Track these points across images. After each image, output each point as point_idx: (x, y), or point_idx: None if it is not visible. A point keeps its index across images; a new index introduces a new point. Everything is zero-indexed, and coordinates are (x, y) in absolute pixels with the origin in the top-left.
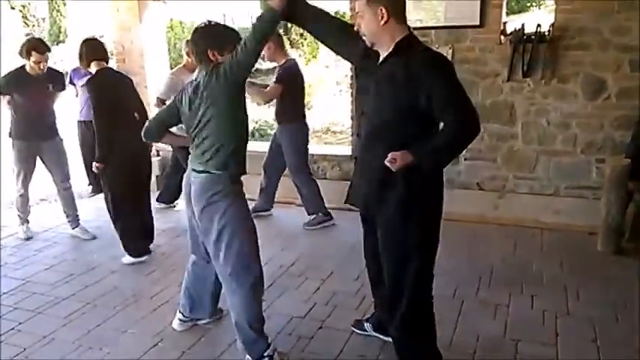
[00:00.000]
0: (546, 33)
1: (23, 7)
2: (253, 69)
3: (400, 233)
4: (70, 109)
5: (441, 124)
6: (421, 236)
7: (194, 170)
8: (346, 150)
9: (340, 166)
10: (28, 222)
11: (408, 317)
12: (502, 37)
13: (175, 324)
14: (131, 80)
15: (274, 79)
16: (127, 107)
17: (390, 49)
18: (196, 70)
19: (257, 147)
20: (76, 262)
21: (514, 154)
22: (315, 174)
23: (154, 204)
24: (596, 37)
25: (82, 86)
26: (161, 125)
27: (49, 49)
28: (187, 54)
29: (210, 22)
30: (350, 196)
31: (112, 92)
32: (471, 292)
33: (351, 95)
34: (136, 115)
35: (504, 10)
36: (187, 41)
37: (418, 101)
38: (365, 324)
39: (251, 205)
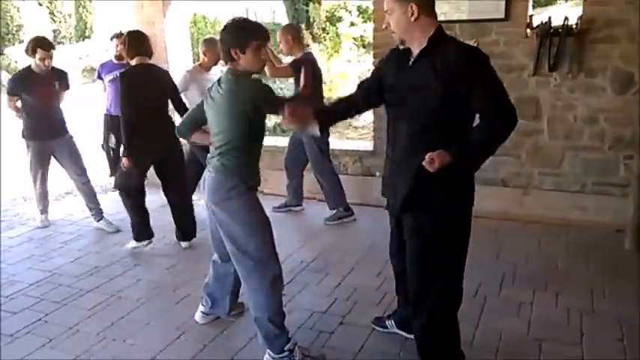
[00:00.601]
0: (574, 26)
1: (50, 3)
2: None
3: (435, 234)
4: (98, 103)
5: (476, 120)
6: (454, 238)
7: (208, 169)
8: (368, 145)
9: (362, 162)
10: (47, 213)
11: (435, 317)
12: (528, 31)
13: (197, 316)
14: (169, 78)
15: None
16: (157, 104)
17: (424, 45)
18: (212, 69)
19: (279, 142)
20: (100, 254)
21: (539, 149)
22: (337, 169)
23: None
24: (623, 29)
25: (109, 81)
26: (193, 122)
27: (53, 47)
28: (204, 53)
29: (234, 19)
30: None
31: (141, 87)
32: (494, 290)
33: None
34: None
35: (530, 2)
36: (205, 40)
37: (459, 95)
38: (387, 321)
39: (280, 200)
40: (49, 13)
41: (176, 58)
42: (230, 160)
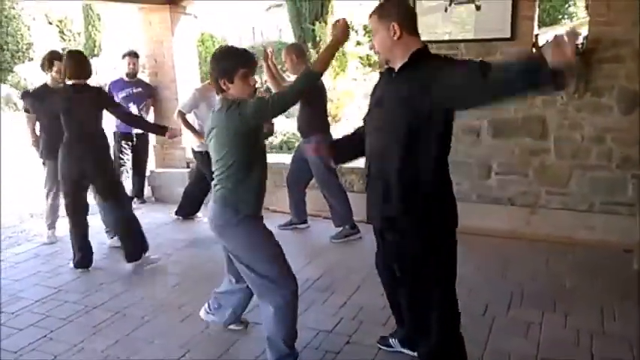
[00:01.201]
0: (580, 46)
1: (60, 22)
2: None
3: (418, 252)
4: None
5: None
6: (439, 256)
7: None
8: None
9: (362, 179)
10: (54, 228)
11: (439, 347)
12: (534, 50)
13: (201, 312)
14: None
15: None
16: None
17: (405, 60)
18: None
19: (285, 159)
20: (104, 271)
21: (546, 168)
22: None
23: (173, 216)
24: (629, 49)
25: (122, 98)
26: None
27: None
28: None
29: (220, 49)
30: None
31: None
32: (502, 310)
33: None
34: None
35: (536, 22)
36: None
37: (433, 104)
38: (390, 339)
39: (287, 218)
40: (59, 31)
41: (184, 77)
42: (227, 189)
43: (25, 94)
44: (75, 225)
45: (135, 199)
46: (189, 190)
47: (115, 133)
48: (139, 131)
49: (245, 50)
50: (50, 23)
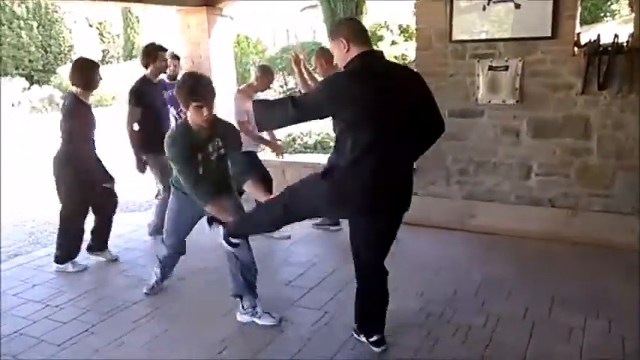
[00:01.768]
0: (624, 44)
1: (100, 24)
2: None
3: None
4: None
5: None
6: None
7: None
8: None
9: None
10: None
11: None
12: (575, 49)
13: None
14: None
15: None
16: None
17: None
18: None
19: (320, 159)
20: (145, 268)
21: (589, 169)
22: None
23: None
24: None
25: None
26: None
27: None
28: (257, 77)
29: (184, 76)
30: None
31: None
32: (543, 314)
33: None
34: None
35: (577, 20)
36: (260, 66)
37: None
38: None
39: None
40: (99, 33)
41: (220, 78)
42: None
43: (135, 88)
44: None
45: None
46: None
47: None
48: None
49: (199, 84)
50: (90, 26)
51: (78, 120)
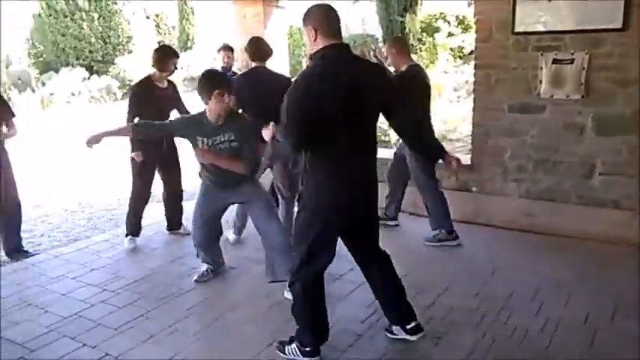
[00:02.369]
0: None
1: (157, 16)
2: None
3: None
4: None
5: None
6: None
7: None
8: (464, 159)
9: (457, 176)
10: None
11: None
12: None
13: (285, 293)
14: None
15: None
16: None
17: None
18: None
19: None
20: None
21: None
22: None
23: None
24: None
25: None
26: None
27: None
28: (308, 66)
29: (204, 72)
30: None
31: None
32: (605, 319)
33: (473, 101)
34: None
35: None
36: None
37: None
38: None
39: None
40: (155, 25)
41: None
42: None
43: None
44: None
45: None
46: None
47: None
48: None
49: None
50: (148, 18)
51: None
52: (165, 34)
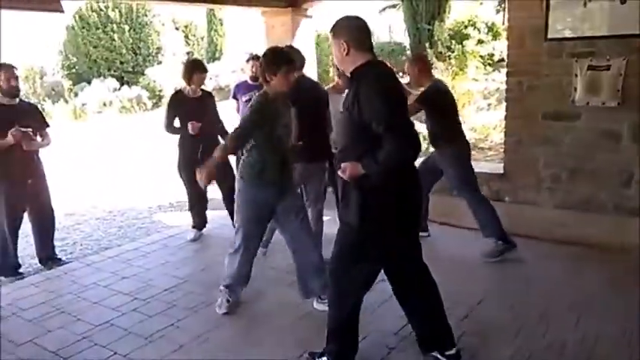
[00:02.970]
0: None
1: (185, 27)
2: None
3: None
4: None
5: None
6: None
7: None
8: (496, 167)
9: (489, 185)
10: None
11: None
12: None
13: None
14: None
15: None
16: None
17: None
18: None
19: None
20: None
21: None
22: None
23: None
24: None
25: (245, 101)
26: None
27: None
28: (338, 76)
29: (267, 50)
30: None
31: None
32: None
33: (505, 109)
34: None
35: None
36: None
37: (363, 124)
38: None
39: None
40: (184, 36)
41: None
42: None
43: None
44: None
45: None
46: None
47: None
48: None
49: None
50: (177, 29)
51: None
52: (194, 44)
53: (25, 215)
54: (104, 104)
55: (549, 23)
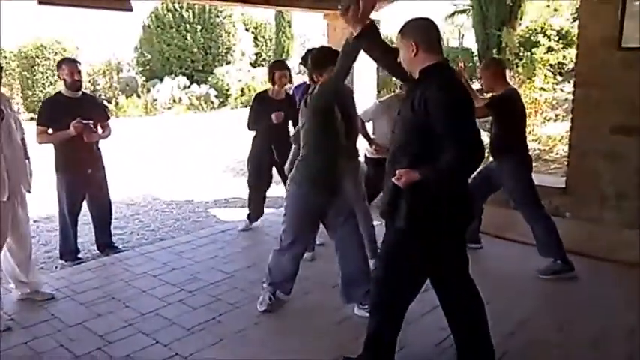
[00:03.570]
0: None
1: (255, 28)
2: None
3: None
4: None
5: None
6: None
7: None
8: (559, 182)
9: (550, 200)
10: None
11: None
12: None
13: (355, 309)
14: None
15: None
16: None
17: (417, 76)
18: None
19: None
20: None
21: None
22: None
23: None
24: None
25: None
26: None
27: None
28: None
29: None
30: None
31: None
32: None
33: (571, 121)
34: None
35: None
36: None
37: (428, 125)
38: None
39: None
40: (254, 37)
41: (362, 83)
42: None
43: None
44: None
45: None
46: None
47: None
48: None
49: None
50: (247, 30)
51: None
52: (262, 46)
53: (85, 204)
54: (174, 100)
55: (623, 31)
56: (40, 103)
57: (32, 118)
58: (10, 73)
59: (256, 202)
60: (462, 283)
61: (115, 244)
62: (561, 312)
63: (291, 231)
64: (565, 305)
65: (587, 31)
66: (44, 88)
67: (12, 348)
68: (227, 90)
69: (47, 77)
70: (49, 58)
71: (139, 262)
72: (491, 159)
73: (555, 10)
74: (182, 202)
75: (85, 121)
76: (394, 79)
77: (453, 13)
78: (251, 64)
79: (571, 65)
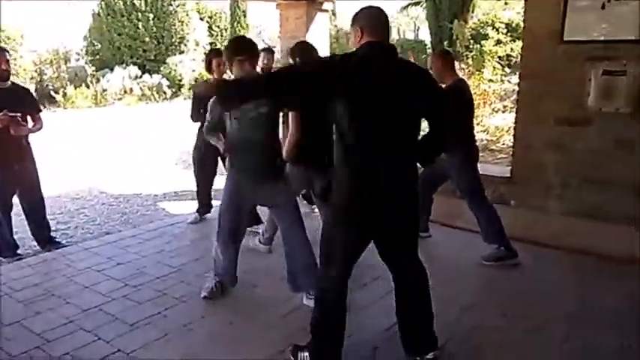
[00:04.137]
0: None
1: (210, 17)
2: None
3: None
4: None
5: None
6: None
7: None
8: (505, 171)
9: (495, 188)
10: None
11: None
12: None
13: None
14: None
15: None
16: None
17: None
18: None
19: None
20: None
21: None
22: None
23: None
24: None
25: None
26: None
27: None
28: None
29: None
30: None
31: None
32: None
33: (516, 112)
34: None
35: None
36: None
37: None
38: None
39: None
40: (208, 27)
41: None
42: None
43: None
44: None
45: None
46: None
47: None
48: None
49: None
50: (202, 19)
51: None
52: (217, 35)
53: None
54: (125, 91)
55: (566, 25)
56: None
57: None
58: None
59: (203, 194)
60: (408, 267)
61: (58, 239)
62: (505, 298)
63: (219, 219)
64: (509, 291)
65: (531, 23)
66: None
67: None
68: (180, 80)
69: None
70: None
71: (82, 258)
72: None
73: (506, 3)
74: (130, 195)
75: (12, 114)
76: None
77: (407, 5)
78: (205, 54)
79: (519, 58)
